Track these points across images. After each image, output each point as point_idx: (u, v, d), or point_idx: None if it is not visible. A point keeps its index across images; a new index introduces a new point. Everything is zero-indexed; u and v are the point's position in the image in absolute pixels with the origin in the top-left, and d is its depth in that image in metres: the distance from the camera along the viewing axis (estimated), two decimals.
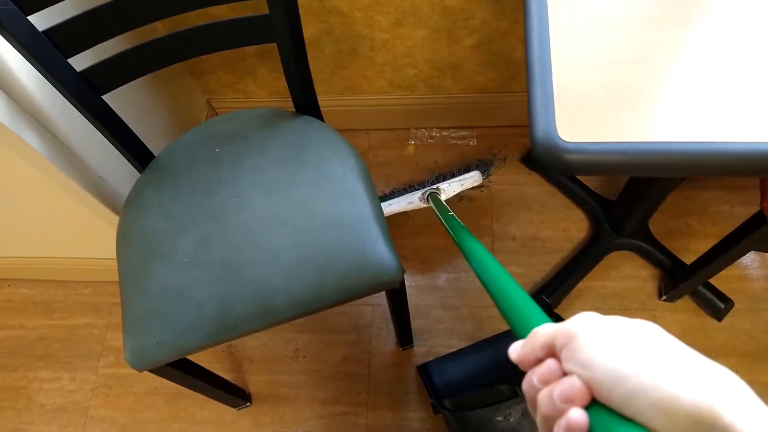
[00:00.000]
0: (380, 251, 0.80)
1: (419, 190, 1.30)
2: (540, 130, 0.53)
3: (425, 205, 1.26)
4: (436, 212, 1.04)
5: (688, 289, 1.19)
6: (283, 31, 0.82)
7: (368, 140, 1.50)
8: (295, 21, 0.82)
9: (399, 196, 1.33)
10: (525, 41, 0.60)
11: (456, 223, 0.93)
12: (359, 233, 0.81)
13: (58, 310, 1.39)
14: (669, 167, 0.54)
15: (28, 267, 1.36)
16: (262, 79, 1.36)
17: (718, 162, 0.52)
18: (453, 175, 1.33)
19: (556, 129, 0.53)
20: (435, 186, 1.29)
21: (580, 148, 0.52)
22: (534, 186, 1.40)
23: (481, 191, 1.40)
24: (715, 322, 1.21)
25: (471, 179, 1.33)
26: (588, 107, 0.54)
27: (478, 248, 0.77)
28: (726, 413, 0.24)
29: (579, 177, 1.37)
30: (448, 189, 1.29)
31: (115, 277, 0.87)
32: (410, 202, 1.28)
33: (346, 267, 0.79)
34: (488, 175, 1.38)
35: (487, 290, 0.58)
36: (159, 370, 0.85)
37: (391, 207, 1.30)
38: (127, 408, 1.26)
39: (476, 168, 1.35)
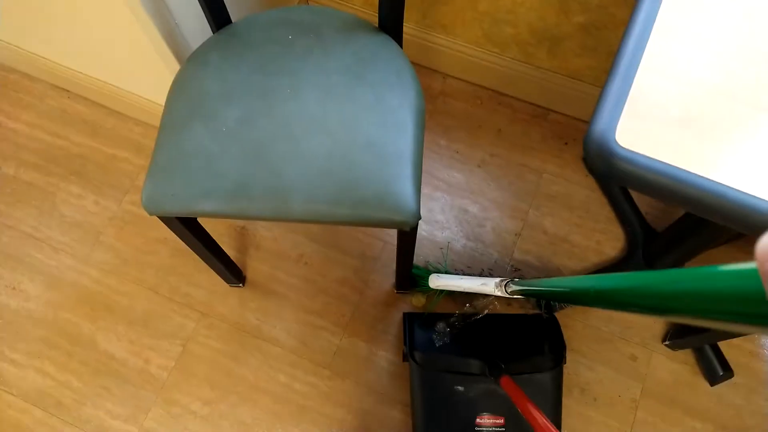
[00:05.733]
0: (405, 191, 0.80)
1: (494, 278, 1.03)
2: (599, 126, 0.50)
3: (501, 294, 0.99)
4: (529, 291, 0.85)
5: (692, 343, 1.16)
6: None
7: (443, 85, 1.46)
8: None
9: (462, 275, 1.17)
10: (624, 32, 0.56)
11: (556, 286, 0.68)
12: (391, 167, 0.81)
13: (104, 135, 1.44)
14: (717, 211, 0.51)
15: (90, 86, 1.41)
16: None
17: None
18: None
19: (615, 130, 0.50)
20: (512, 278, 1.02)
21: (631, 158, 0.49)
22: (585, 189, 1.35)
23: (530, 176, 1.36)
24: (706, 385, 1.17)
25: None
26: (658, 120, 0.51)
27: (606, 279, 0.49)
28: None
29: (633, 196, 1.32)
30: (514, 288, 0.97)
31: None
32: (483, 284, 1.05)
33: (368, 193, 0.79)
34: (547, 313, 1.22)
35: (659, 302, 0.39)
36: (168, 221, 0.89)
37: (459, 282, 1.12)
38: (135, 246, 1.33)
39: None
